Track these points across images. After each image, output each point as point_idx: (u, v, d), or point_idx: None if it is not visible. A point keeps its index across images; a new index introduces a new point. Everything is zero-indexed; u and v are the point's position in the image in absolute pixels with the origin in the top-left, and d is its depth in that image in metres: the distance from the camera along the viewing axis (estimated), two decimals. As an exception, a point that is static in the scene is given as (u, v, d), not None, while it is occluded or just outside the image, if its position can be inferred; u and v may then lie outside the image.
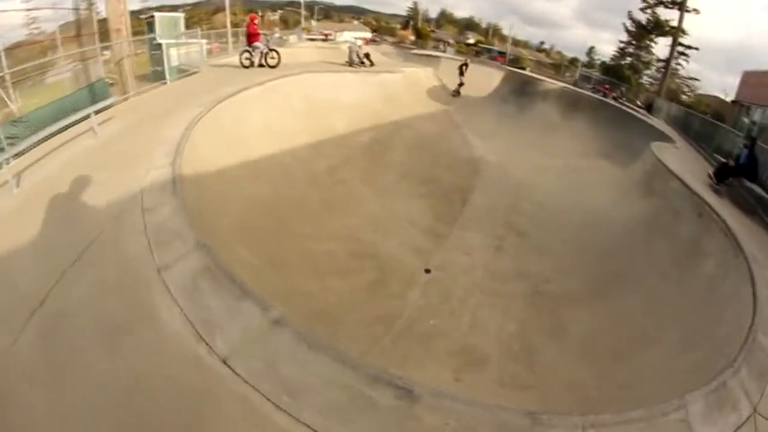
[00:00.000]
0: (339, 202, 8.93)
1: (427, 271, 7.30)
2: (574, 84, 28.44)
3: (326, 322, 5.15)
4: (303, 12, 56.38)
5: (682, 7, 30.32)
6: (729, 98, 25.81)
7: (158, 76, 10.91)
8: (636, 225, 8.41)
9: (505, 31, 70.89)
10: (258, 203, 7.00)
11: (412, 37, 57.01)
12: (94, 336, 3.46)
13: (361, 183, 10.09)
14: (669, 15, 32.44)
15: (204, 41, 12.91)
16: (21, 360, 3.38)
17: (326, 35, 38.90)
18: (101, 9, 12.39)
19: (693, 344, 4.78)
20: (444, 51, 38.35)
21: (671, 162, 9.43)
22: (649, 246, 7.55)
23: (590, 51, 63.43)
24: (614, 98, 23.70)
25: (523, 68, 34.35)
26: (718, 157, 11.09)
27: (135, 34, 10.68)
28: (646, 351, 5.22)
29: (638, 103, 25.71)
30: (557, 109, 18.00)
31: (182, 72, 11.46)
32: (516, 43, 58.37)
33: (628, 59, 38.99)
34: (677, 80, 36.47)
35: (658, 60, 36.02)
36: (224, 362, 3.13)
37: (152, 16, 11.74)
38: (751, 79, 19.00)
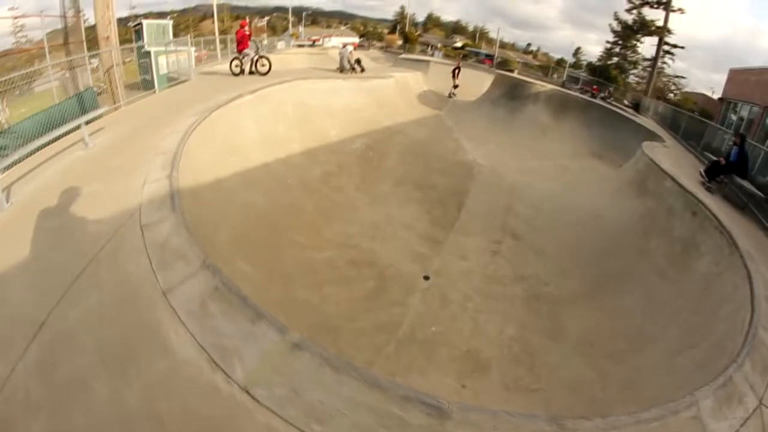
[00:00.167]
0: (335, 210, 8.93)
1: (426, 277, 7.32)
2: (562, 85, 28.84)
3: (328, 333, 5.16)
4: (291, 18, 56.57)
5: (667, 7, 30.89)
6: (716, 95, 26.30)
7: (147, 85, 10.84)
8: (631, 225, 8.52)
9: (492, 34, 71.81)
10: (254, 213, 6.99)
11: (400, 42, 57.30)
12: (98, 364, 3.31)
13: (356, 190, 10.12)
14: (655, 15, 32.96)
15: (192, 49, 12.84)
16: (21, 390, 3.25)
17: (314, 41, 39.08)
18: (89, 16, 12.33)
19: (693, 342, 4.85)
20: (432, 55, 38.66)
21: (663, 161, 9.58)
22: (645, 245, 7.66)
23: (577, 52, 64.50)
24: (602, 98, 24.08)
25: (512, 70, 34.76)
26: (708, 155, 11.32)
27: (122, 42, 10.57)
28: (646, 350, 5.30)
29: (626, 102, 26.13)
30: (547, 111, 18.23)
31: (172, 80, 11.41)
32: (503, 45, 59.01)
33: (615, 59, 39.51)
34: (664, 79, 37.16)
35: (644, 59, 36.63)
36: (245, 391, 3.00)
37: (140, 24, 11.66)
38: (737, 77, 19.40)
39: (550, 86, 20.82)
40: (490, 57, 44.90)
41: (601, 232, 8.83)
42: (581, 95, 22.33)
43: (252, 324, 3.41)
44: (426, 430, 2.79)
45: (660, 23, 32.42)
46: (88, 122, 6.89)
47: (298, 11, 60.74)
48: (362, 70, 16.32)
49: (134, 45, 11.35)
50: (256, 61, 13.29)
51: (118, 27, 9.78)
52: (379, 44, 50.53)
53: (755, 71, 17.52)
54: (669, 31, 32.16)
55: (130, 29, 12.41)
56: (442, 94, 20.82)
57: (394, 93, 16.21)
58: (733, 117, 18.05)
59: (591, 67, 44.07)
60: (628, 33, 36.84)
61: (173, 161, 5.61)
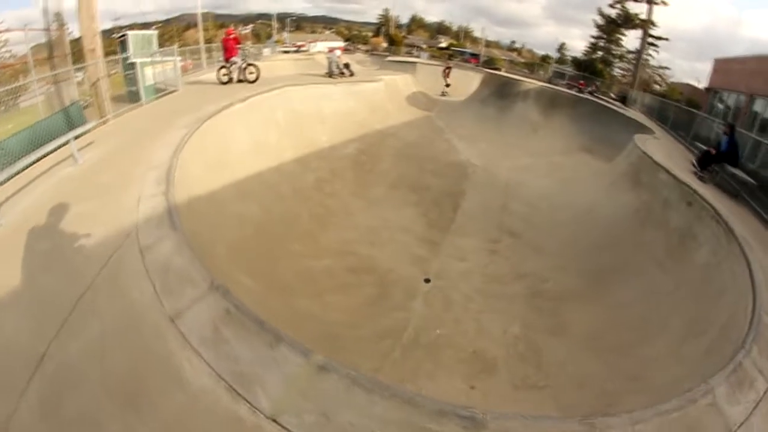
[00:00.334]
0: (330, 217, 8.93)
1: (427, 280, 7.33)
2: (548, 81, 29.03)
3: (333, 342, 5.13)
4: (275, 24, 56.56)
5: (651, 0, 31.27)
6: (701, 85, 26.67)
7: (133, 97, 10.74)
8: (627, 218, 8.62)
9: (477, 33, 72.25)
10: (249, 224, 6.96)
11: (385, 44, 57.47)
12: (106, 400, 3.13)
13: (350, 195, 10.12)
14: (638, 8, 33.40)
15: (178, 59, 12.76)
16: (26, 430, 3.11)
17: (299, 46, 39.08)
18: (73, 29, 12.19)
19: (697, 331, 4.93)
20: (418, 56, 38.78)
21: (656, 153, 9.73)
22: (642, 237, 7.76)
23: (561, 47, 65.05)
24: (590, 93, 24.27)
25: (498, 69, 34.96)
26: (699, 144, 11.47)
27: (107, 54, 10.45)
28: (651, 341, 5.35)
29: (612, 95, 26.36)
30: (537, 108, 18.40)
31: (159, 91, 11.33)
32: (488, 44, 59.33)
33: (600, 53, 39.92)
34: (648, 70, 37.53)
35: (629, 52, 37.06)
36: (273, 420, 2.87)
37: (125, 35, 11.56)
38: (722, 66, 19.76)
39: (538, 83, 20.98)
40: (475, 56, 45.21)
41: (598, 227, 8.93)
42: (568, 90, 22.53)
43: (271, 348, 3.26)
44: (463, 441, 2.74)
45: (643, 16, 32.81)
46: (76, 137, 6.76)
47: (282, 17, 60.79)
48: (351, 74, 16.32)
49: (119, 57, 11.21)
50: (244, 69, 13.24)
51: (102, 39, 9.65)
52: (364, 47, 50.58)
53: (739, 60, 17.87)
54: (653, 24, 32.67)
55: (115, 41, 12.28)
56: (431, 95, 20.90)
57: (384, 96, 16.25)
58: (720, 106, 18.36)
59: (576, 62, 44.46)
60: (613, 27, 37.25)
61: (168, 176, 5.48)
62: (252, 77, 13.16)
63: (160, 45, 13.42)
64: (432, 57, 38.93)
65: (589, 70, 36.80)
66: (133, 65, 10.78)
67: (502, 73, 27.02)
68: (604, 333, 5.96)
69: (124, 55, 11.13)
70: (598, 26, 39.01)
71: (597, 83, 29.31)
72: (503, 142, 15.81)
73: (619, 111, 17.86)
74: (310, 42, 44.52)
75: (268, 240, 6.97)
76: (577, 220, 9.57)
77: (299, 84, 12.80)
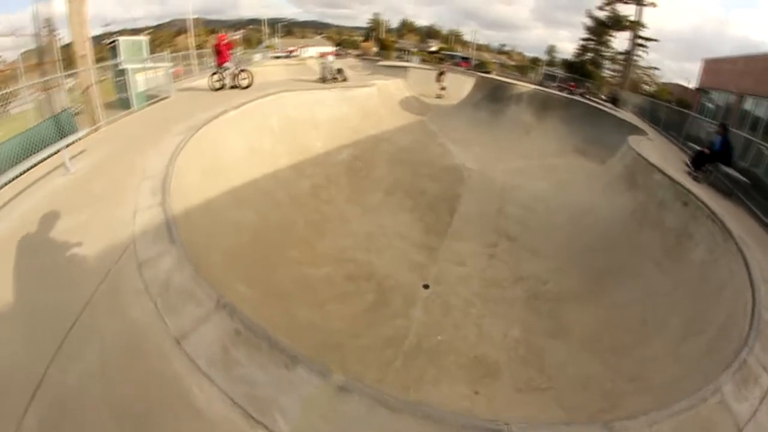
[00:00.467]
0: (327, 223, 8.92)
1: (426, 286, 7.33)
2: (540, 84, 29.32)
3: (334, 351, 5.12)
4: (266, 30, 56.64)
5: (639, 2, 31.71)
6: (691, 85, 27.07)
7: (124, 104, 10.63)
8: (623, 219, 8.72)
9: (466, 37, 72.97)
10: (246, 232, 6.93)
11: (375, 49, 57.78)
12: (112, 427, 2.95)
13: (346, 201, 10.11)
14: (627, 10, 33.85)
15: (170, 65, 12.69)
16: None
17: (290, 52, 39.18)
18: (62, 35, 12.08)
19: (696, 330, 5.00)
20: (409, 60, 39.00)
21: (650, 155, 9.88)
22: (639, 238, 7.86)
23: (550, 49, 65.88)
24: (581, 94, 24.56)
25: (489, 72, 35.28)
26: (692, 145, 11.61)
27: (98, 60, 10.35)
28: (651, 341, 5.43)
29: (603, 97, 26.67)
30: (530, 111, 18.59)
31: (151, 98, 11.25)
32: (478, 47, 59.86)
33: (590, 55, 40.33)
34: (638, 71, 37.98)
35: (618, 53, 37.48)
36: None
37: (115, 41, 11.45)
38: (712, 66, 20.11)
39: (531, 86, 21.18)
40: (466, 59, 45.60)
41: (595, 228, 9.01)
42: (559, 92, 22.76)
43: (287, 369, 3.15)
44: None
45: (633, 17, 33.25)
46: (67, 145, 6.62)
47: (272, 23, 60.98)
48: (344, 79, 16.37)
49: (110, 63, 11.10)
50: (237, 74, 13.18)
51: (92, 45, 9.56)
52: (354, 52, 50.83)
53: (729, 60, 18.18)
54: (642, 25, 33.13)
55: (105, 47, 12.16)
56: (423, 99, 20.99)
57: (377, 101, 16.31)
58: (711, 105, 18.61)
59: (567, 64, 44.92)
60: (602, 29, 37.67)
61: (164, 186, 5.40)
62: (245, 83, 13.13)
63: (151, 51, 13.30)
64: (423, 61, 39.17)
65: (579, 71, 37.20)
66: (123, 72, 10.67)
67: (494, 76, 27.26)
68: (603, 334, 6.02)
69: (114, 62, 10.99)
70: (588, 28, 39.47)
71: (588, 85, 29.67)
72: (497, 146, 15.91)
73: (611, 112, 18.10)
74: (301, 47, 44.67)
75: (265, 247, 6.93)
76: (573, 222, 9.64)
77: (293, 90, 12.81)
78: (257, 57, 30.03)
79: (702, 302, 5.41)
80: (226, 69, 13.03)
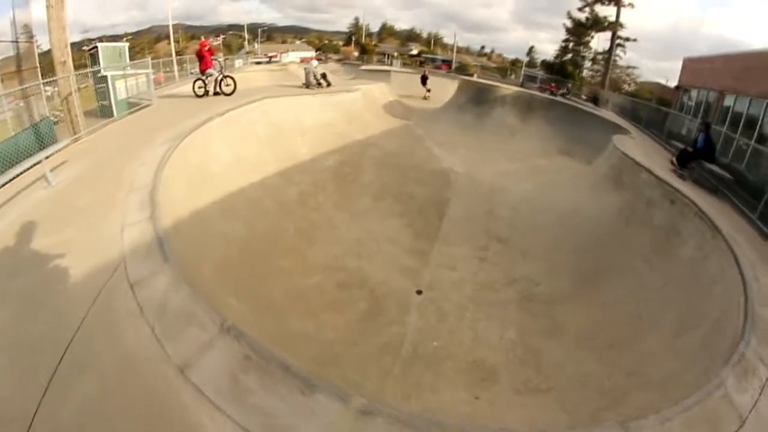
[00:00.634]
0: (316, 231, 8.86)
1: (419, 292, 7.34)
2: (521, 85, 29.71)
3: (331, 362, 5.09)
4: (246, 35, 56.36)
5: (618, 3, 32.43)
6: (670, 83, 27.76)
7: (105, 111, 10.41)
8: (611, 218, 8.89)
9: (447, 40, 73.74)
10: (234, 243, 6.83)
11: (356, 53, 57.93)
12: None
13: (334, 208, 10.08)
14: (606, 11, 34.59)
15: (150, 71, 12.48)
16: None
17: (271, 57, 39.04)
18: (42, 42, 11.76)
19: (690, 324, 5.14)
20: (391, 64, 39.17)
21: (636, 154, 10.11)
22: (628, 237, 8.03)
23: (530, 51, 66.92)
24: (562, 95, 24.97)
25: (471, 75, 35.62)
26: (675, 143, 11.87)
27: (77, 67, 10.09)
28: (646, 337, 5.54)
29: (583, 97, 27.15)
30: (514, 113, 18.89)
31: (132, 105, 11.04)
32: (458, 50, 60.43)
33: (570, 56, 41.05)
34: (617, 70, 38.77)
35: (598, 53, 38.24)
36: None
37: (95, 47, 11.22)
38: (691, 65, 20.69)
39: (514, 89, 21.48)
40: (447, 62, 45.96)
41: (584, 228, 9.15)
42: (541, 94, 23.12)
43: (304, 395, 3.00)
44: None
45: (612, 18, 33.97)
46: (48, 156, 6.37)
47: (253, 28, 60.75)
48: (328, 84, 16.35)
49: (90, 70, 10.85)
50: (221, 81, 13.01)
51: (72, 52, 9.32)
52: (335, 57, 50.87)
53: (708, 59, 18.74)
54: (621, 26, 33.87)
55: (85, 53, 11.94)
56: (407, 103, 21.08)
57: (362, 106, 16.34)
58: (691, 103, 19.09)
59: (547, 65, 45.67)
60: (582, 30, 38.38)
61: (152, 199, 5.21)
62: (228, 89, 12.97)
63: (131, 57, 13.09)
64: (404, 65, 39.39)
65: (559, 72, 37.84)
66: (104, 78, 10.45)
67: (476, 79, 27.56)
68: (598, 332, 6.12)
69: (94, 68, 10.76)
70: (568, 29, 40.21)
71: (568, 85, 30.15)
72: (483, 148, 16.07)
73: (593, 112, 18.50)
74: (282, 52, 44.52)
75: (255, 258, 6.86)
76: (562, 222, 9.77)
77: (278, 96, 12.74)
78: (238, 63, 29.83)
79: (694, 297, 5.55)
80: (210, 75, 12.84)
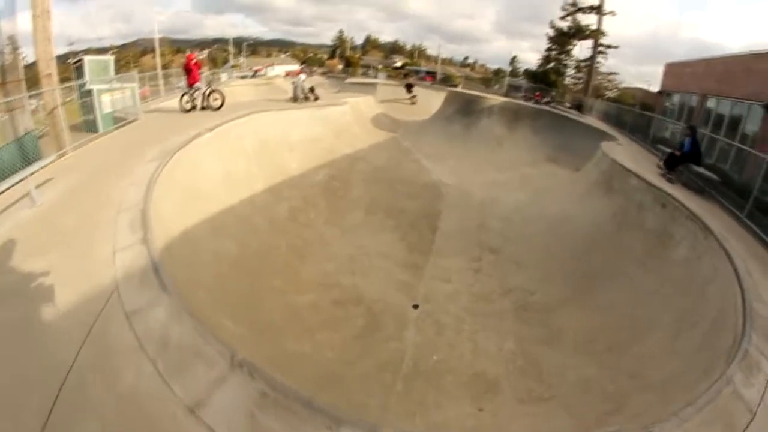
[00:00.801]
0: (308, 247, 8.82)
1: (415, 306, 7.34)
2: (505, 95, 30.11)
3: (332, 383, 5.05)
4: (231, 49, 56.48)
5: (600, 11, 33.21)
6: (652, 88, 28.42)
7: (90, 126, 10.15)
8: (604, 224, 9.04)
9: (430, 51, 74.76)
10: (226, 262, 6.75)
11: (341, 66, 58.38)
12: None
13: (326, 224, 10.06)
14: (588, 19, 35.39)
15: (136, 85, 12.30)
16: None
17: (257, 71, 39.12)
18: (26, 53, 11.51)
19: (688, 324, 5.25)
20: (375, 76, 39.47)
21: (625, 160, 10.36)
22: (621, 241, 8.19)
23: (513, 60, 68.18)
24: (546, 103, 25.36)
25: (456, 85, 36.03)
26: (662, 147, 12.11)
27: (62, 80, 9.90)
28: (644, 339, 5.62)
29: (567, 104, 27.58)
30: (501, 123, 19.22)
31: (118, 120, 10.85)
32: (442, 61, 61.27)
33: (552, 64, 41.78)
34: (599, 77, 39.52)
35: (580, 61, 38.98)
36: None
37: (81, 60, 11.03)
38: (673, 70, 21.33)
39: (501, 99, 21.80)
40: (431, 74, 46.42)
41: (576, 235, 9.27)
42: (526, 102, 23.49)
43: (329, 431, 2.88)
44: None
45: (594, 27, 34.73)
46: (32, 173, 6.14)
47: (238, 42, 60.96)
48: (316, 98, 16.40)
49: (75, 83, 10.65)
50: (208, 95, 12.89)
51: (57, 64, 9.15)
52: (320, 70, 51.19)
53: (690, 63, 19.35)
54: (603, 33, 34.62)
55: (70, 66, 11.71)
56: (394, 116, 21.24)
57: (350, 119, 16.46)
58: (674, 107, 19.56)
59: (530, 74, 46.41)
60: (564, 39, 39.14)
61: (143, 220, 5.04)
62: (216, 104, 12.84)
63: (117, 71, 12.92)
64: (389, 77, 39.71)
65: (543, 81, 38.46)
66: (89, 92, 10.23)
67: (462, 90, 27.87)
68: (597, 337, 6.20)
69: (80, 81, 10.54)
70: (551, 38, 40.98)
71: (553, 94, 30.63)
72: (472, 159, 16.28)
73: (577, 119, 18.86)
74: (267, 66, 44.60)
75: (248, 277, 6.78)
76: (554, 230, 9.89)
77: (267, 110, 12.75)
78: (224, 77, 29.77)
79: (690, 298, 5.67)
80: (197, 89, 12.72)
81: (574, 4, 36.28)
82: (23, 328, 3.66)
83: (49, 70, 8.78)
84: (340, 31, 77.00)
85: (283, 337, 5.77)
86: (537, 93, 29.69)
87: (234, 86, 23.56)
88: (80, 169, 7.27)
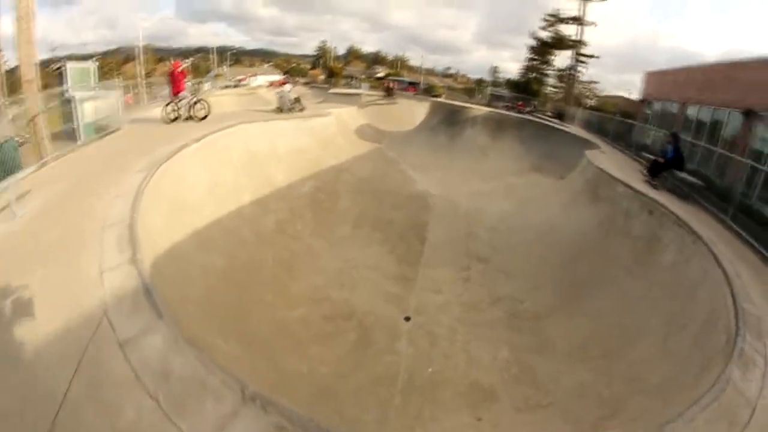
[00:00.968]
0: (296, 261, 8.76)
1: (407, 318, 7.34)
2: (488, 104, 30.56)
3: (328, 399, 5.01)
4: (215, 58, 56.25)
5: (581, 22, 34.04)
6: (633, 96, 29.21)
7: (72, 135, 9.82)
8: (590, 231, 9.22)
9: (412, 62, 75.62)
10: (215, 277, 6.65)
11: (323, 76, 58.59)
12: None
13: (313, 235, 10.01)
14: (569, 30, 36.25)
15: (120, 93, 12.00)
16: None
17: (240, 80, 39.01)
18: (8, 58, 11.16)
19: (680, 327, 5.38)
20: (359, 87, 39.68)
21: (610, 168, 10.59)
22: (608, 248, 8.39)
23: (494, 70, 69.40)
24: (528, 112, 25.82)
25: (438, 96, 36.45)
26: (645, 155, 12.42)
27: (44, 87, 9.62)
28: (636, 343, 5.75)
29: (549, 113, 28.11)
30: (485, 133, 19.57)
31: (101, 129, 10.56)
32: (424, 71, 61.96)
33: (534, 74, 42.61)
34: (579, 85, 40.43)
35: (561, 70, 39.82)
36: None
37: (62, 66, 10.76)
38: (653, 78, 22.04)
39: (486, 109, 22.12)
40: (413, 84, 46.80)
41: (564, 243, 9.44)
42: (508, 112, 23.89)
43: None
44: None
45: (575, 37, 35.58)
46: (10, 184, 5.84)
47: (221, 51, 60.80)
48: (302, 108, 16.41)
49: (59, 90, 10.33)
50: (193, 104, 12.66)
51: (39, 70, 8.90)
52: (303, 80, 51.25)
53: (671, 72, 20.09)
54: (584, 43, 35.44)
55: (52, 72, 11.41)
56: (378, 126, 21.36)
57: (335, 130, 16.55)
58: (655, 115, 20.17)
59: (512, 84, 47.23)
60: (546, 49, 39.99)
61: (132, 237, 4.81)
62: (201, 113, 12.62)
63: (99, 78, 12.65)
64: (372, 87, 39.96)
65: (525, 90, 39.17)
66: (71, 100, 9.94)
67: (446, 100, 28.17)
68: (589, 342, 6.31)
69: (61, 89, 10.23)
70: (532, 48, 41.84)
71: (534, 103, 31.22)
72: (457, 169, 16.48)
73: (560, 128, 19.31)
74: (250, 76, 44.44)
75: (237, 292, 6.67)
76: (541, 238, 10.05)
77: (253, 121, 12.69)
78: (206, 86, 29.52)
79: (680, 301, 5.83)
80: (182, 99, 12.50)
81: (555, 15, 37.20)
82: (4, 356, 3.38)
83: (31, 75, 8.54)
84: (323, 42, 77.69)
85: (276, 353, 5.69)
86: (519, 102, 30.25)
87: (217, 96, 23.37)
88: (63, 180, 6.97)
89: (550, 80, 43.04)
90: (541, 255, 9.37)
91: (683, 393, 3.94)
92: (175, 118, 12.41)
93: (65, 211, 5.78)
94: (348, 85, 43.32)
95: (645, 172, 10.42)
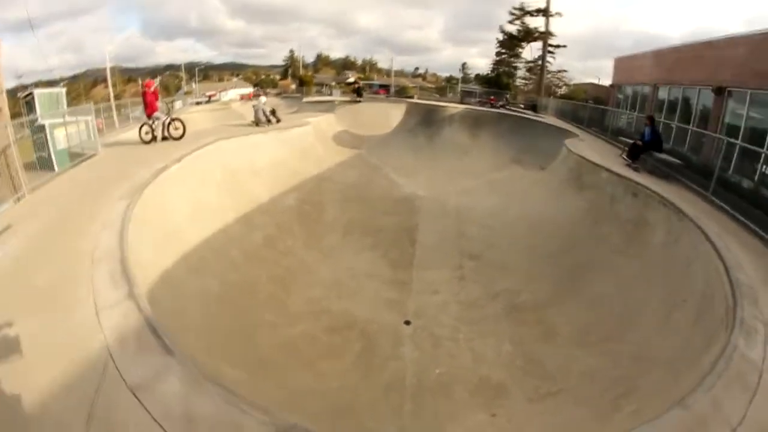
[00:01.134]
0: (291, 276, 8.68)
1: (407, 322, 7.35)
2: (460, 102, 30.88)
3: (342, 413, 5.01)
4: (183, 75, 55.46)
5: (547, 14, 34.77)
6: (603, 81, 29.88)
7: (44, 164, 9.48)
8: (579, 219, 9.45)
9: (381, 65, 75.98)
10: (211, 301, 6.54)
11: (294, 86, 58.34)
12: None
13: (304, 249, 9.94)
14: (536, 22, 36.99)
15: (91, 118, 11.70)
16: None
17: (210, 96, 38.64)
18: None
19: (677, 301, 5.58)
20: (330, 94, 39.72)
21: (591, 155, 10.84)
22: (599, 234, 8.63)
23: (463, 67, 70.15)
24: (501, 106, 26.18)
25: (411, 96, 36.68)
26: (622, 138, 12.72)
27: (13, 116, 9.24)
28: (638, 322, 5.91)
29: (521, 105, 28.57)
30: (462, 131, 19.79)
31: (75, 156, 10.24)
32: (394, 73, 62.23)
33: (503, 68, 43.23)
34: (549, 75, 41.19)
35: (529, 62, 40.54)
36: None
37: (30, 94, 10.44)
38: (622, 64, 22.76)
39: (462, 107, 22.31)
40: (384, 87, 47.05)
41: (554, 232, 9.64)
42: (481, 107, 24.19)
43: None
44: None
45: (542, 29, 36.30)
46: None
47: (189, 67, 59.91)
48: (278, 120, 16.33)
49: (27, 119, 9.96)
50: (168, 124, 12.49)
51: (6, 98, 8.58)
52: (274, 91, 50.94)
53: (639, 56, 20.86)
54: (551, 34, 36.16)
55: (20, 100, 11.08)
56: (355, 132, 21.34)
57: (313, 139, 16.52)
58: (627, 98, 20.68)
59: (482, 79, 47.85)
60: (514, 42, 40.64)
61: (124, 271, 4.60)
62: (177, 133, 12.45)
63: (68, 104, 12.33)
64: (344, 93, 40.00)
65: (495, 84, 39.74)
66: (42, 128, 9.59)
67: (420, 101, 28.32)
68: (590, 327, 6.46)
69: (31, 117, 9.88)
70: (500, 42, 42.44)
71: (506, 96, 31.67)
72: (440, 169, 16.66)
73: (535, 119, 19.62)
74: (220, 91, 44.04)
75: (236, 315, 6.59)
76: (532, 230, 10.23)
77: (231, 136, 12.57)
78: (178, 104, 29.08)
79: (675, 278, 6.04)
80: (157, 119, 12.28)
81: (521, 8, 37.90)
82: (10, 419, 3.04)
83: (0, 103, 8.23)
84: (291, 51, 77.35)
85: (283, 373, 5.64)
86: (491, 97, 30.65)
87: (191, 113, 23.05)
88: (42, 214, 6.65)
89: (520, 72, 43.81)
90: (533, 246, 9.53)
91: (692, 365, 4.09)
92: (152, 139, 12.20)
93: (50, 247, 5.51)
94: (320, 93, 43.24)
95: (625, 156, 10.69)
